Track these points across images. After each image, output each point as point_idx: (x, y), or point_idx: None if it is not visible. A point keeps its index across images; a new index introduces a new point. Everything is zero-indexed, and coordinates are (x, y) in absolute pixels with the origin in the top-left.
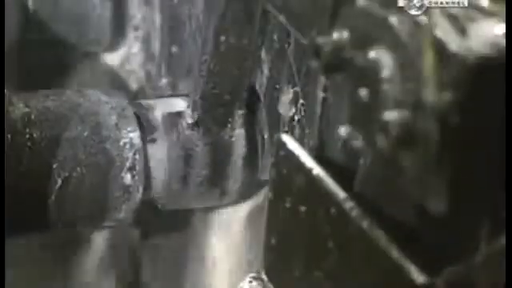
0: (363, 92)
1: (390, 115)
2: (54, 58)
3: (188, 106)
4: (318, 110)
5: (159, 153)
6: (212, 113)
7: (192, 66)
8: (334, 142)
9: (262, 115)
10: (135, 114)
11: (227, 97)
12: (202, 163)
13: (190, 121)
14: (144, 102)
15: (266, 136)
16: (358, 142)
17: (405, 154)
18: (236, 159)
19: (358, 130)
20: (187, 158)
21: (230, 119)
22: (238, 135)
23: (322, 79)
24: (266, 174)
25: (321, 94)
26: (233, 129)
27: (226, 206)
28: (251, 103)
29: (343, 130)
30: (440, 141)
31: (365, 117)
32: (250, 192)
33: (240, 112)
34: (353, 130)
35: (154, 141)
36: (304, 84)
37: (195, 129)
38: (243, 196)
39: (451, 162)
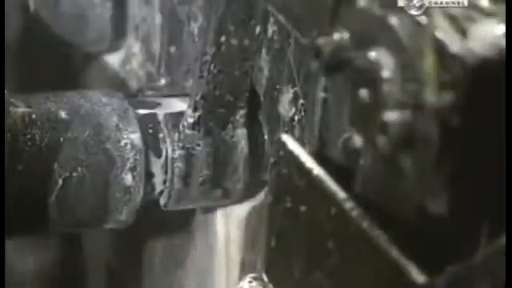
0: (363, 93)
1: (391, 116)
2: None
3: (189, 106)
4: (318, 110)
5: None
6: (213, 113)
7: (192, 66)
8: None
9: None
10: (136, 113)
11: (228, 97)
12: (203, 163)
13: (190, 121)
14: (144, 100)
15: (266, 136)
16: (358, 143)
17: (405, 155)
18: (238, 159)
19: (358, 130)
20: (188, 157)
21: (231, 119)
22: (240, 135)
23: (323, 79)
24: (267, 173)
25: (321, 95)
26: (234, 129)
27: (230, 205)
28: (252, 103)
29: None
30: (440, 142)
31: (365, 117)
32: (253, 192)
33: (241, 112)
34: (353, 130)
35: (155, 140)
36: (304, 84)
37: (196, 128)
38: (246, 196)
39: (451, 163)
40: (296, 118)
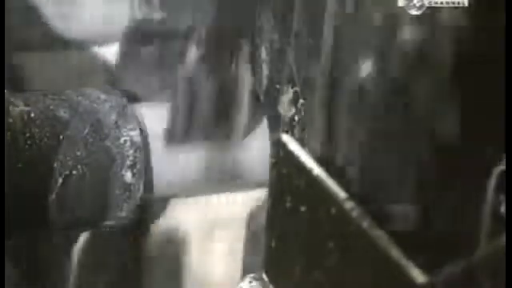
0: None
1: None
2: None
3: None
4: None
5: None
6: (217, 49)
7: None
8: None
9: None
10: None
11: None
12: (207, 98)
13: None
14: None
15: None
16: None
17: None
18: (242, 95)
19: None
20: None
21: (234, 56)
22: (244, 70)
23: None
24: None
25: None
26: (238, 64)
27: (234, 142)
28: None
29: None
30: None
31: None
32: (255, 128)
33: (246, 48)
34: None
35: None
36: (304, 84)
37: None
38: (250, 131)
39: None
40: (296, 118)
